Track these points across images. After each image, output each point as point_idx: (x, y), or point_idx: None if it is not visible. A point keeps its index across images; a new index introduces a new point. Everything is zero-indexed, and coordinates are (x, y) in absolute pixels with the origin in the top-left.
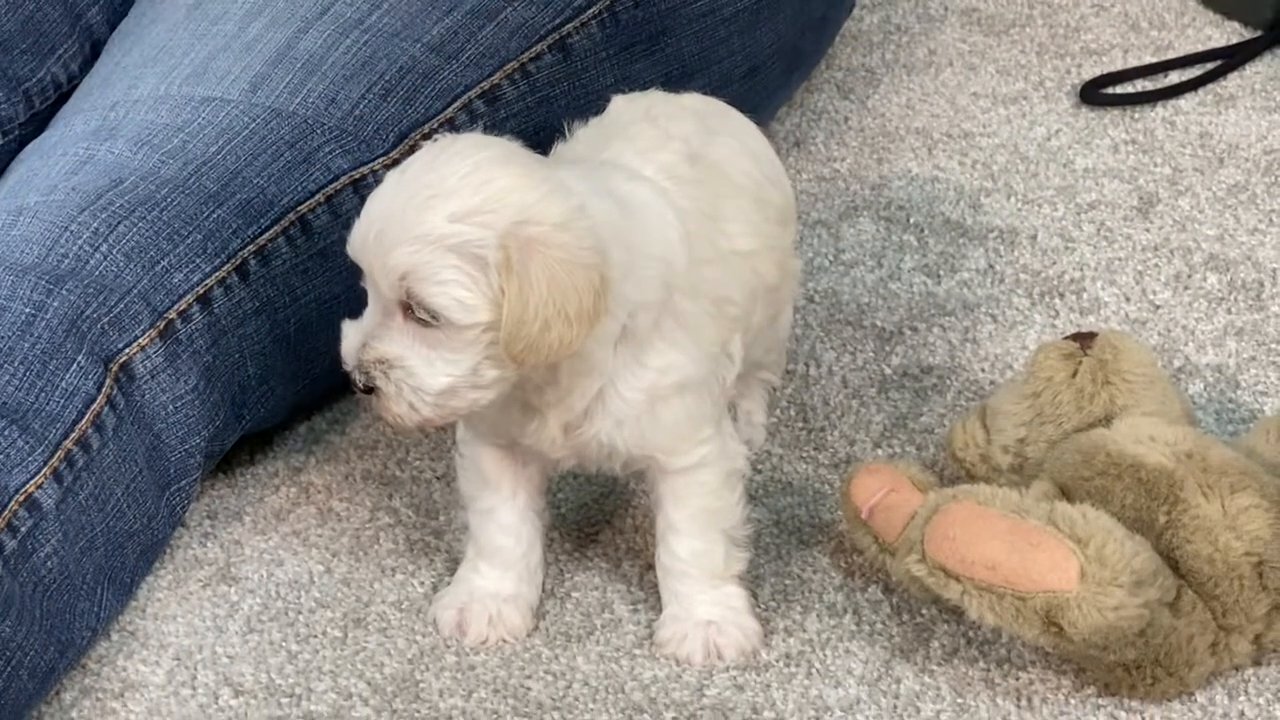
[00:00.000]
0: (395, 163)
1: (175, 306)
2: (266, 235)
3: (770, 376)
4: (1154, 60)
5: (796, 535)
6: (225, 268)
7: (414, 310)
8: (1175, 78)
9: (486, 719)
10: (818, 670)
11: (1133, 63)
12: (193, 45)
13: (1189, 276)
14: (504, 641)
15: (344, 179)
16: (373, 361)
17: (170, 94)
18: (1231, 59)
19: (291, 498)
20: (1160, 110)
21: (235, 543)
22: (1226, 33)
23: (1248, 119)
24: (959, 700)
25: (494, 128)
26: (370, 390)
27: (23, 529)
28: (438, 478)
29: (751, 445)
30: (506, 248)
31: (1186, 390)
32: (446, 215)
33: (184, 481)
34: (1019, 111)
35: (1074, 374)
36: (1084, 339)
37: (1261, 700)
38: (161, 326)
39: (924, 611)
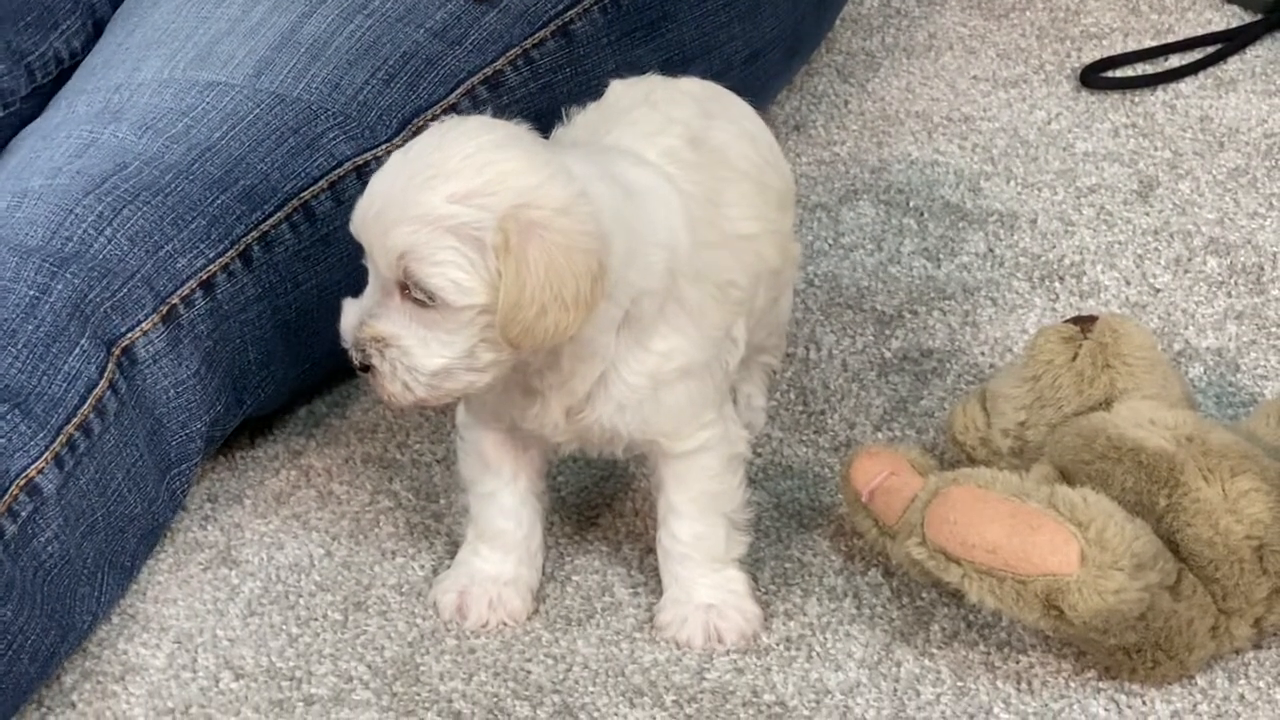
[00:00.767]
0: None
1: (178, 291)
2: (270, 221)
3: (770, 360)
4: (1154, 44)
5: (797, 519)
6: (229, 254)
7: (411, 290)
8: (1175, 61)
9: (487, 702)
10: (818, 654)
11: (1133, 46)
12: (197, 28)
13: (1189, 260)
14: (504, 625)
15: (348, 165)
16: (369, 339)
17: (174, 77)
18: (1231, 42)
19: (292, 481)
20: (1160, 94)
21: (236, 526)
22: (1226, 16)
23: (1248, 102)
24: (959, 683)
25: (496, 113)
26: (367, 368)
27: (24, 514)
28: (438, 461)
29: (751, 429)
30: (505, 230)
31: (1187, 374)
32: (446, 196)
33: (185, 465)
34: (1019, 95)
35: (1074, 357)
36: (1084, 322)
37: (1262, 683)
38: (164, 311)
39: (924, 595)
